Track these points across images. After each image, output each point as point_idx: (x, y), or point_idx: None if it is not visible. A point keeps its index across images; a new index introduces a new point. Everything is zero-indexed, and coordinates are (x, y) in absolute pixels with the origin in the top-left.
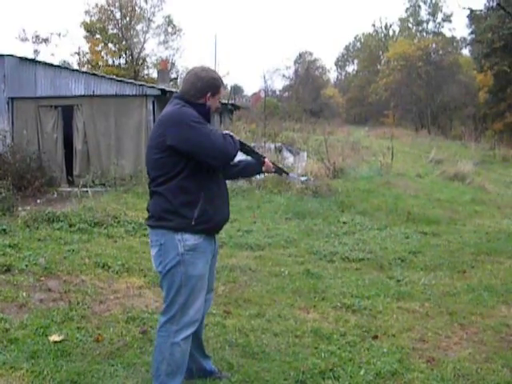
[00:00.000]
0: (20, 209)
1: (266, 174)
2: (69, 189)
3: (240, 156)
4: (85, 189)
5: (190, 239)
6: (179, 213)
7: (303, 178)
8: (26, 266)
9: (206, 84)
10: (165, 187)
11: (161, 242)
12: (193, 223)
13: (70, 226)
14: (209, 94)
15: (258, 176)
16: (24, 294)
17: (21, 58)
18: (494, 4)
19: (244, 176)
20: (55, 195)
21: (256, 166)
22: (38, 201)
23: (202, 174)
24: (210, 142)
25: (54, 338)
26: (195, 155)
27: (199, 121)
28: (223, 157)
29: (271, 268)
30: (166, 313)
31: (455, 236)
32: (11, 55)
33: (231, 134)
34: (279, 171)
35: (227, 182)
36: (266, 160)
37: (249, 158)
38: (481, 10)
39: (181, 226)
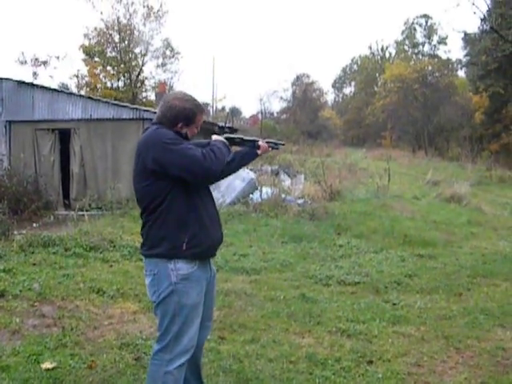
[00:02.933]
0: (16, 233)
1: (263, 197)
2: (65, 212)
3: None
4: (81, 212)
5: (183, 268)
6: (169, 237)
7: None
8: (20, 291)
9: (176, 114)
10: (154, 214)
11: (154, 272)
12: (184, 248)
13: (66, 250)
14: (180, 124)
15: (254, 199)
16: (17, 319)
17: (19, 82)
18: (488, 27)
19: (244, 165)
20: (51, 219)
21: (252, 152)
22: (34, 224)
23: (190, 197)
24: (187, 160)
25: (47, 365)
26: (176, 174)
27: (175, 139)
28: (203, 173)
29: (267, 292)
30: (160, 341)
31: (451, 258)
32: (9, 79)
33: (218, 140)
34: (275, 146)
35: (224, 203)
36: (260, 143)
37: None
38: (475, 33)
39: (172, 251)
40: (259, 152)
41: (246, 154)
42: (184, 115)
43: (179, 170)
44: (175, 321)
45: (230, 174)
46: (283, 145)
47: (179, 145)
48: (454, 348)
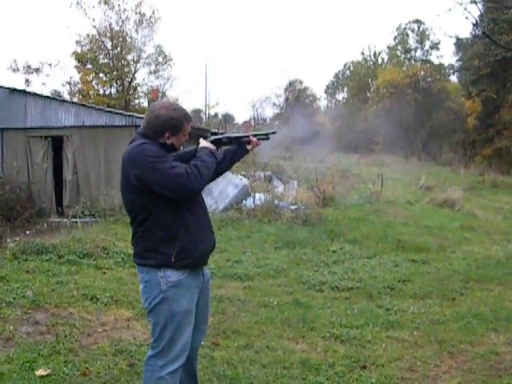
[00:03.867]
0: (9, 240)
1: (256, 203)
2: (58, 219)
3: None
4: (74, 219)
5: (173, 276)
6: (158, 250)
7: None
8: (14, 298)
9: (162, 124)
10: (143, 227)
11: (145, 279)
12: (173, 260)
13: (59, 257)
14: (167, 134)
15: (247, 205)
16: (11, 327)
17: (11, 89)
18: (480, 32)
19: (235, 162)
20: (45, 226)
21: (242, 149)
22: (28, 232)
23: (177, 209)
24: (169, 178)
25: (41, 372)
26: (158, 191)
27: (157, 155)
28: (185, 191)
29: (260, 298)
30: (153, 347)
31: (444, 263)
32: (1, 86)
33: (204, 148)
34: (266, 137)
35: (217, 209)
36: (250, 138)
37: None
38: (467, 38)
39: (162, 263)
40: (249, 147)
41: (237, 151)
42: (170, 124)
43: (161, 188)
44: (167, 328)
45: (221, 174)
46: (274, 133)
47: (163, 163)
48: (448, 353)
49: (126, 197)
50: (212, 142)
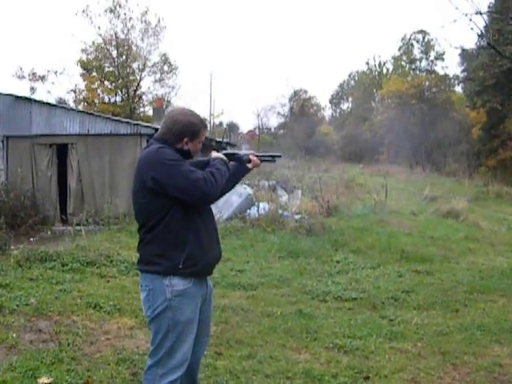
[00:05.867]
0: (13, 247)
1: (260, 213)
2: (62, 227)
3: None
4: (78, 227)
5: (179, 284)
6: (167, 256)
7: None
8: (17, 306)
9: (182, 129)
10: (154, 231)
11: (150, 287)
12: (180, 266)
13: (63, 265)
14: (186, 139)
15: (251, 214)
16: (14, 335)
17: (16, 97)
18: (485, 43)
19: (236, 183)
20: (49, 234)
21: (242, 168)
22: (32, 239)
23: (189, 215)
24: (187, 181)
25: (43, 380)
26: (174, 194)
27: (176, 159)
28: (202, 196)
29: (263, 308)
30: (153, 356)
31: (448, 274)
32: (7, 94)
33: (218, 158)
34: (272, 159)
35: (221, 218)
36: (251, 157)
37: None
38: (472, 49)
39: (169, 269)
40: (250, 166)
41: (236, 171)
42: (190, 130)
43: (179, 191)
44: (168, 336)
45: (229, 190)
46: (280, 156)
47: (182, 166)
48: (451, 364)
49: (139, 200)
50: (224, 155)
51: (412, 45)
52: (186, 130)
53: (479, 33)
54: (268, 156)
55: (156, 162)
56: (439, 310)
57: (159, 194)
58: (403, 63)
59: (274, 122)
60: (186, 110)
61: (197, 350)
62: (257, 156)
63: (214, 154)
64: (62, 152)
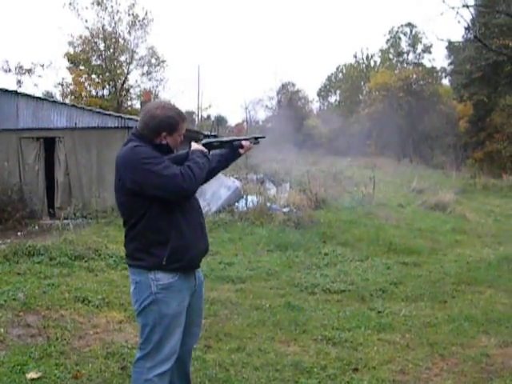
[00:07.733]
0: (0, 242)
1: (248, 206)
2: (50, 221)
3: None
4: (66, 221)
5: (163, 278)
6: (150, 252)
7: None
8: (5, 301)
9: (159, 124)
10: (136, 229)
11: (136, 281)
12: (164, 263)
13: (51, 259)
14: (164, 134)
15: (239, 207)
16: (1, 329)
17: (2, 90)
18: (472, 36)
19: (229, 165)
20: (36, 227)
21: (234, 153)
22: (19, 233)
23: (171, 211)
24: (163, 179)
25: (32, 375)
26: (153, 193)
27: (152, 157)
28: (180, 191)
29: (252, 301)
30: (141, 349)
31: (436, 266)
32: None
33: (197, 150)
34: (256, 141)
35: (210, 211)
36: (243, 143)
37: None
38: (459, 42)
39: (153, 265)
40: (242, 151)
41: (230, 155)
42: (167, 124)
43: (157, 189)
44: (156, 330)
45: (214, 175)
46: (264, 137)
47: (157, 164)
48: (439, 355)
49: (120, 198)
50: (204, 145)
51: (399, 38)
52: (164, 125)
53: (466, 26)
54: (251, 138)
55: (132, 162)
56: (427, 301)
57: (139, 194)
58: (391, 56)
59: (261, 115)
60: (163, 103)
61: (188, 341)
62: (240, 140)
63: (194, 146)
64: (49, 145)
